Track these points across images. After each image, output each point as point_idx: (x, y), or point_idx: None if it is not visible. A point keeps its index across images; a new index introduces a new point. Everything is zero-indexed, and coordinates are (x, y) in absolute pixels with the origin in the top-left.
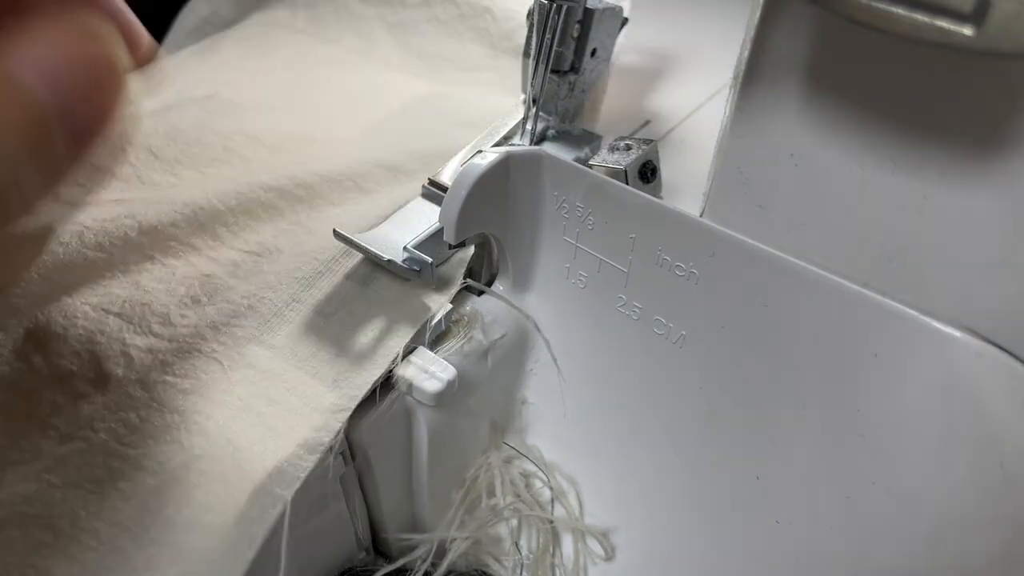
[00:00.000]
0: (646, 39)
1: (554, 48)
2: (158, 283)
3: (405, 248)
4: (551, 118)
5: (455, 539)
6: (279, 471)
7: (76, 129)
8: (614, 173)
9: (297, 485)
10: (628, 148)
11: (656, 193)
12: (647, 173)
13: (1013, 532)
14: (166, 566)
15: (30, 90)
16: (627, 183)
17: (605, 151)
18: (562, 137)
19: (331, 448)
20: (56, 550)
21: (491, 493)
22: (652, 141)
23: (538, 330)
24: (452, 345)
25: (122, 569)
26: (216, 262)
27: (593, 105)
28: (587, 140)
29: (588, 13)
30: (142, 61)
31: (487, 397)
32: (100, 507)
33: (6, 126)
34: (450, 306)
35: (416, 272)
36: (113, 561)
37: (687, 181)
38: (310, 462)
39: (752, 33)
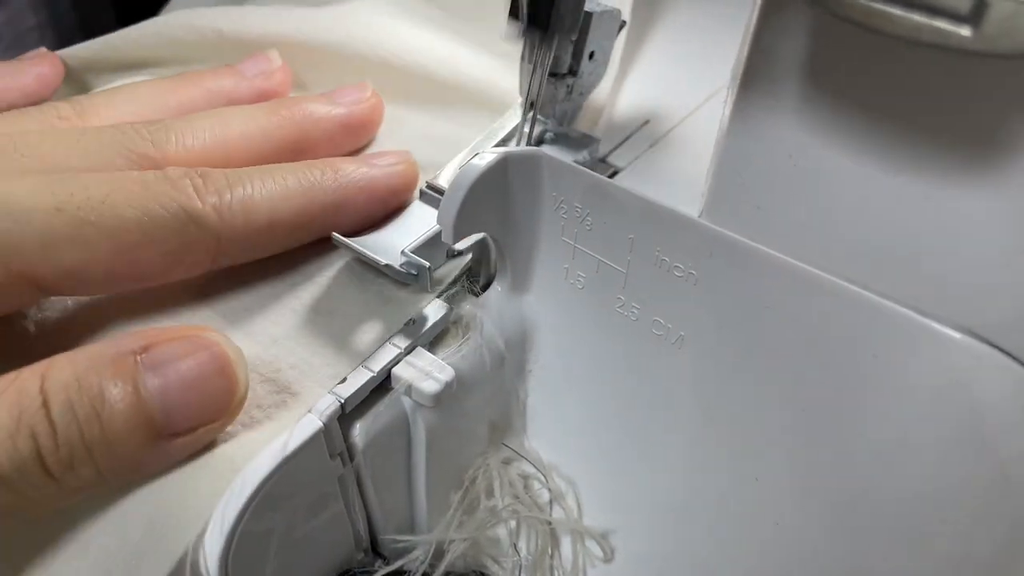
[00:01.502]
0: (645, 40)
1: (552, 52)
2: None
3: (403, 252)
4: (549, 121)
5: (453, 540)
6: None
7: (181, 427)
8: None
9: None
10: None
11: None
12: None
13: (1012, 534)
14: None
15: (148, 399)
16: None
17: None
18: (560, 140)
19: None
20: None
21: (489, 494)
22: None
23: (536, 331)
24: (450, 346)
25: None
26: None
27: (591, 107)
28: (585, 143)
29: (586, 16)
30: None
31: (485, 398)
32: None
33: (127, 425)
34: (448, 307)
35: (414, 276)
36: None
37: (686, 182)
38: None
39: (750, 34)
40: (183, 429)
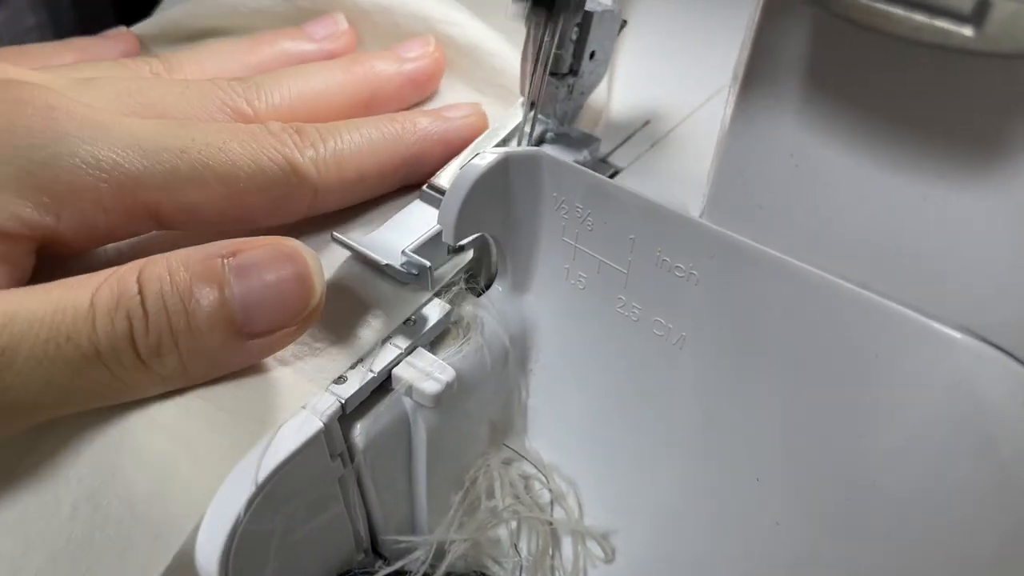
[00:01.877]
0: (646, 39)
1: (552, 51)
2: None
3: (403, 252)
4: (550, 120)
5: (454, 541)
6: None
7: (259, 328)
8: None
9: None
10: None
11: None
12: None
13: (1014, 533)
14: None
15: (232, 299)
16: None
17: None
18: (561, 139)
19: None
20: None
21: (490, 495)
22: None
23: (537, 331)
24: (451, 346)
25: None
26: None
27: (592, 107)
28: (586, 142)
29: (586, 16)
30: None
31: (486, 399)
32: None
33: (210, 319)
34: (449, 307)
35: (414, 276)
36: None
37: (687, 182)
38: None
39: (752, 33)
40: (261, 331)
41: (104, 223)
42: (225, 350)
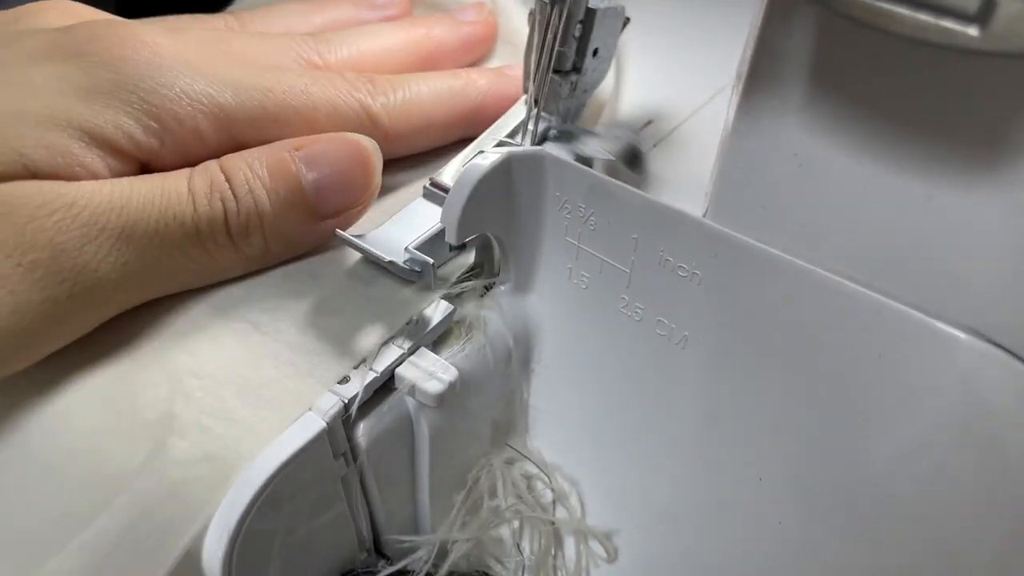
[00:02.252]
0: (648, 38)
1: (555, 48)
2: None
3: (406, 249)
4: (553, 118)
5: (456, 540)
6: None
7: (330, 208)
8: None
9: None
10: (614, 138)
11: (642, 180)
12: (632, 160)
13: (1017, 532)
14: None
15: (303, 173)
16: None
17: (588, 140)
18: (564, 137)
19: (333, 449)
20: None
21: (493, 494)
22: (625, 128)
23: (539, 331)
24: (454, 346)
25: None
26: None
27: (595, 105)
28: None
29: (590, 13)
30: None
31: (489, 398)
32: None
33: (288, 201)
34: (451, 307)
35: (417, 273)
36: None
37: (690, 181)
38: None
39: (755, 33)
40: (331, 211)
41: (198, 152)
42: (301, 230)
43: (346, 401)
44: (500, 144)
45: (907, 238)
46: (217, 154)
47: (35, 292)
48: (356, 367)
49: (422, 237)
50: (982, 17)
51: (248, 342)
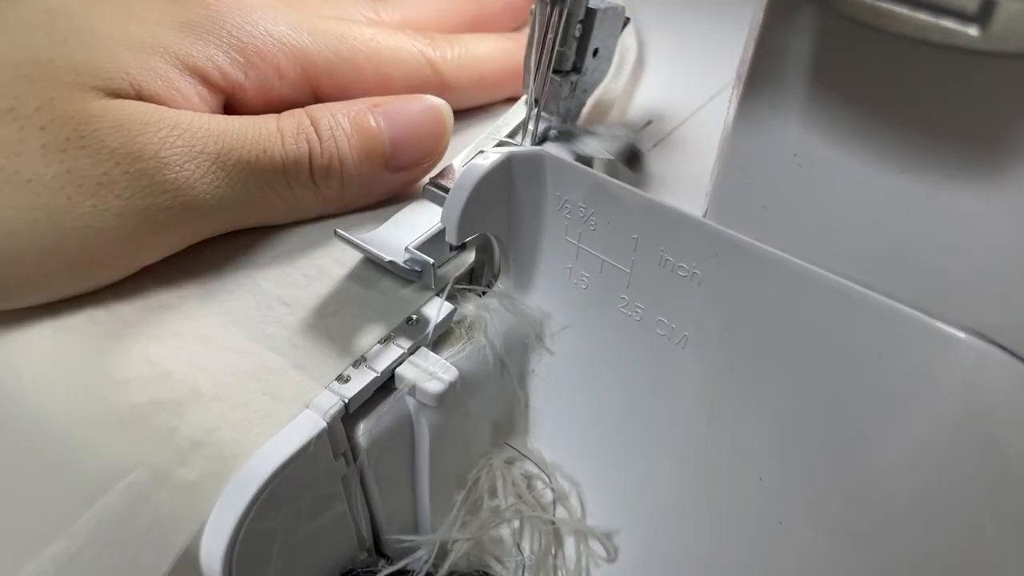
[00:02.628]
0: (648, 38)
1: (556, 48)
2: None
3: (406, 249)
4: (553, 118)
5: (457, 540)
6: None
7: (402, 161)
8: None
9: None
10: (614, 137)
11: (642, 180)
12: (631, 159)
13: (1017, 532)
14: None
15: (381, 127)
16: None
17: (587, 140)
18: (564, 137)
19: (333, 449)
20: None
21: (493, 494)
22: (625, 127)
23: (540, 331)
24: (454, 346)
25: None
26: None
27: (595, 105)
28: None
29: (590, 13)
30: None
31: (489, 398)
32: None
33: (366, 150)
34: (452, 307)
35: (417, 273)
36: None
37: (690, 181)
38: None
39: (755, 33)
40: (403, 165)
41: (278, 90)
42: (375, 179)
43: (347, 400)
44: (500, 144)
45: (907, 238)
46: (294, 95)
47: (139, 198)
48: (356, 366)
49: (422, 237)
50: (982, 17)
51: (248, 342)
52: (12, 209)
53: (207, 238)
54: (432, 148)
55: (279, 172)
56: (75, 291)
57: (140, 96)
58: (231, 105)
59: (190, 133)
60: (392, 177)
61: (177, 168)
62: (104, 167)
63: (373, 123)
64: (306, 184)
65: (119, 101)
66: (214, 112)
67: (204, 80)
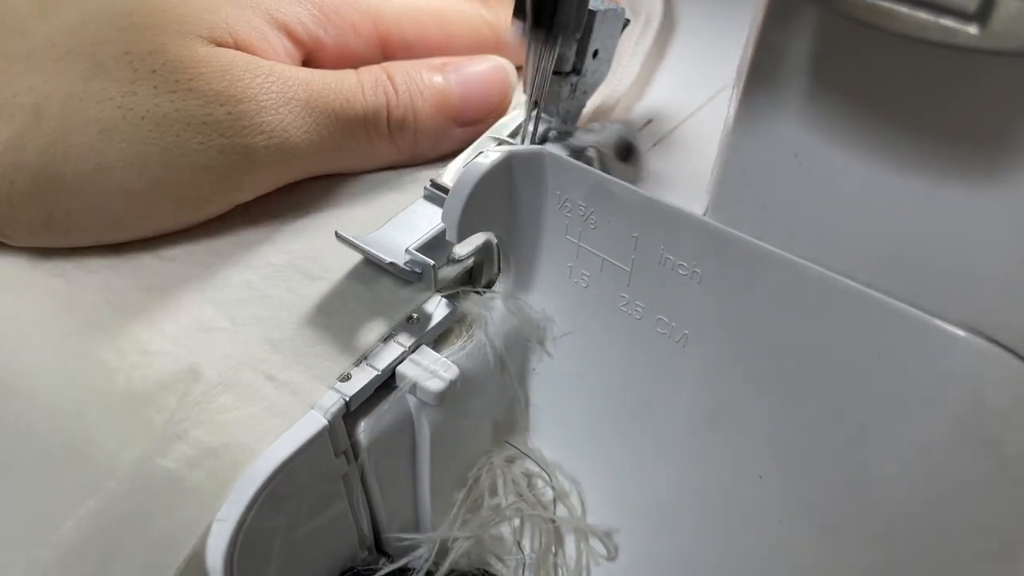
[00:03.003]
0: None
1: (556, 49)
2: None
3: (407, 250)
4: (552, 119)
5: (457, 538)
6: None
7: (469, 116)
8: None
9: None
10: (602, 129)
11: (637, 175)
12: (625, 153)
13: (1016, 531)
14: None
15: (451, 83)
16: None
17: (582, 135)
18: (564, 138)
19: (334, 447)
20: None
21: (493, 493)
22: (621, 123)
23: (540, 330)
24: (455, 345)
25: None
26: None
27: (595, 106)
28: None
29: (590, 15)
30: None
31: (489, 397)
32: None
33: (438, 105)
34: (453, 305)
35: (418, 274)
36: None
37: (690, 180)
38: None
39: (755, 32)
40: (471, 119)
41: (352, 46)
42: (445, 133)
43: (347, 399)
44: (500, 144)
45: (907, 236)
46: (366, 51)
47: (239, 137)
48: (357, 365)
49: (423, 239)
50: (981, 16)
51: (249, 342)
52: (127, 144)
53: (292, 182)
54: (497, 105)
55: (359, 121)
56: (176, 226)
57: (238, 46)
58: (309, 61)
59: (282, 81)
60: (460, 132)
61: (272, 111)
62: (210, 107)
63: (445, 81)
64: (383, 134)
65: (221, 49)
66: (296, 65)
67: (290, 35)
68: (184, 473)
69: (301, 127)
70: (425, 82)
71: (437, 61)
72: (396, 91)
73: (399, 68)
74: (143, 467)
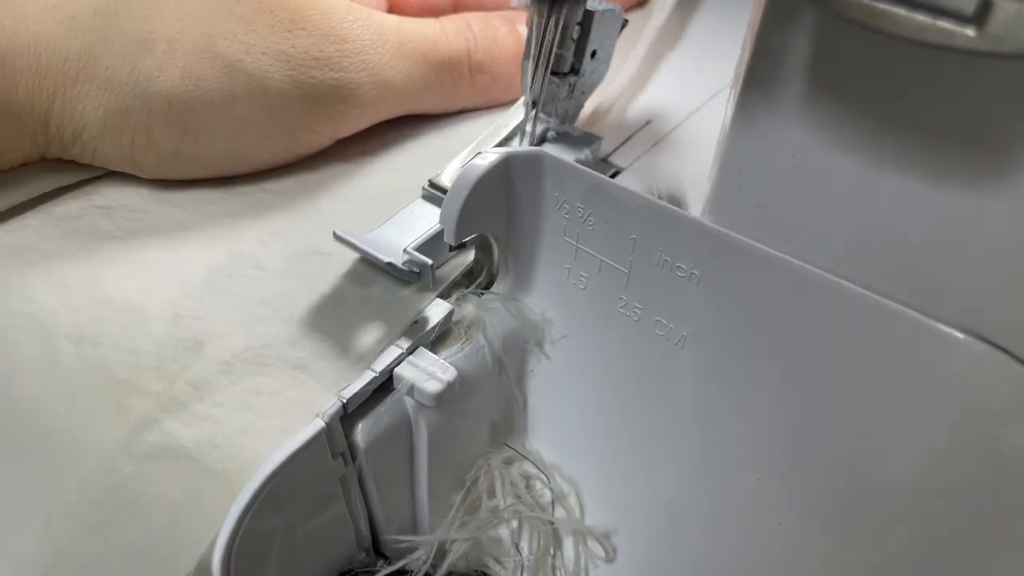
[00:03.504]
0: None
1: (554, 50)
2: None
3: (405, 250)
4: (551, 120)
5: (455, 540)
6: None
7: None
8: None
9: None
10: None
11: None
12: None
13: (1013, 531)
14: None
15: (522, 31)
16: None
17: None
18: (562, 139)
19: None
20: None
21: (491, 494)
22: (598, 138)
23: (539, 331)
24: (453, 346)
25: None
26: None
27: (593, 106)
28: (587, 142)
29: (588, 15)
30: None
31: (487, 399)
32: None
33: (513, 52)
34: (451, 307)
35: (416, 275)
36: None
37: (688, 181)
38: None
39: (753, 33)
40: None
41: None
42: (516, 79)
43: (345, 401)
44: (499, 144)
45: (905, 238)
46: (443, 2)
47: (347, 72)
48: (355, 367)
49: (421, 238)
50: (979, 18)
51: (249, 342)
52: (249, 77)
53: (383, 120)
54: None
55: (445, 63)
56: (288, 158)
57: None
58: (393, 10)
59: (378, 24)
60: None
61: (372, 51)
62: (321, 45)
63: (518, 28)
64: (464, 76)
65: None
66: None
67: None
68: (189, 477)
69: (396, 66)
70: (500, 30)
71: (509, 13)
72: (475, 37)
73: (477, 18)
74: (137, 463)
